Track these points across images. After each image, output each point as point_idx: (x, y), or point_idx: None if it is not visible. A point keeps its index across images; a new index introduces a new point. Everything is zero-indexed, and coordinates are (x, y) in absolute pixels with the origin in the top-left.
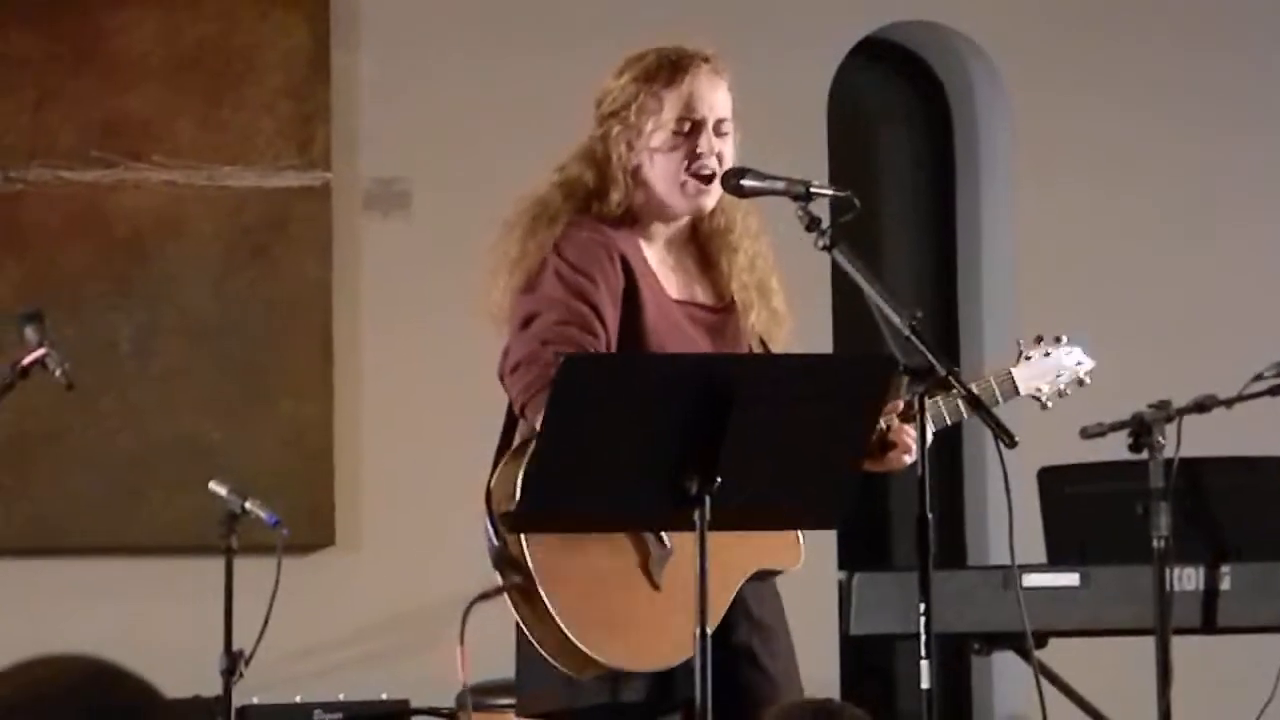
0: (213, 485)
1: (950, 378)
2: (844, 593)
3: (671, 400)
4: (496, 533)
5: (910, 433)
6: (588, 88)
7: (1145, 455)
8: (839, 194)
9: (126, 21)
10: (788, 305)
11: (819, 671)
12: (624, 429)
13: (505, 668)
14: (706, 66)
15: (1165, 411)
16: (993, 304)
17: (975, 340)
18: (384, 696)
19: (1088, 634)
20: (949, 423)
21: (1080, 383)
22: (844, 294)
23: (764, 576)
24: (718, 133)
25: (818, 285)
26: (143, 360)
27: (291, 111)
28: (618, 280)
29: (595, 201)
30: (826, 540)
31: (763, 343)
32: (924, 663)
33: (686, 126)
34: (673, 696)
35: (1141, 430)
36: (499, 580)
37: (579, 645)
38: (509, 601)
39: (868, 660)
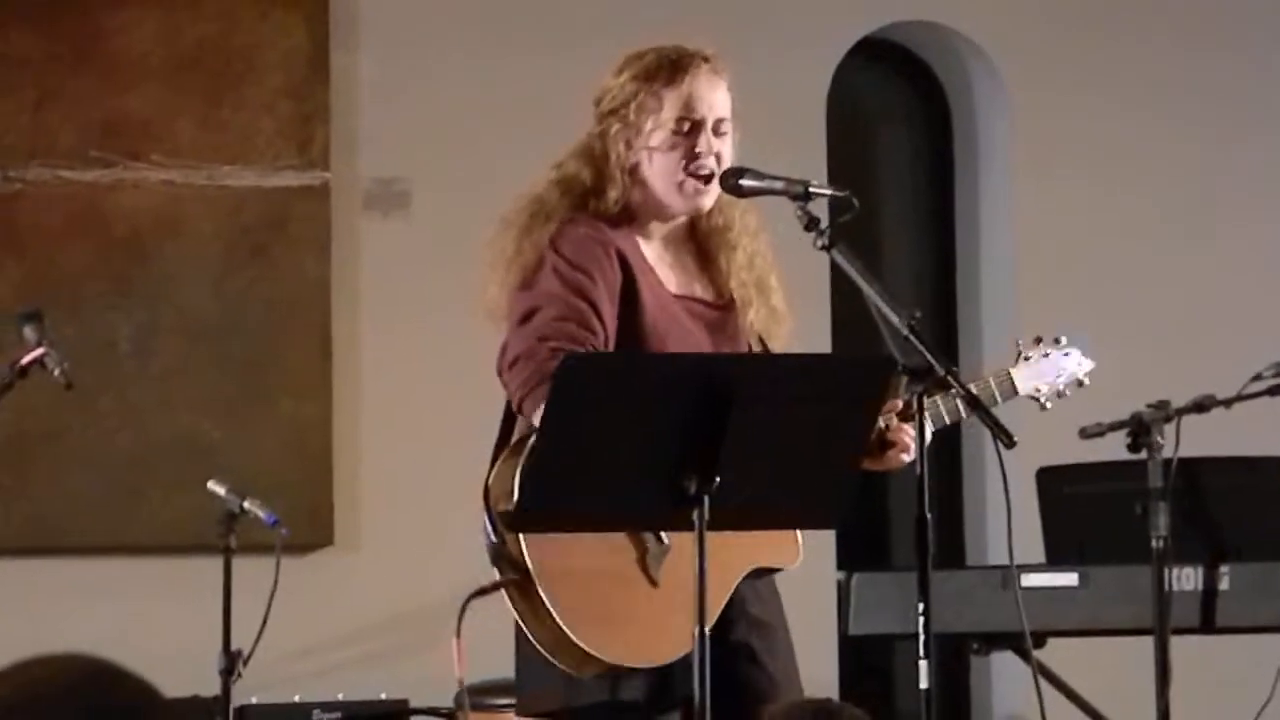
0: (211, 485)
1: (949, 378)
2: (843, 593)
3: (671, 400)
4: (494, 529)
5: (909, 431)
6: (587, 88)
7: (1144, 455)
8: (838, 194)
9: (126, 21)
10: (787, 303)
11: (818, 671)
12: (623, 429)
13: (504, 667)
14: (706, 66)
15: (1164, 411)
16: (992, 304)
17: (974, 340)
18: (383, 696)
19: (1086, 634)
20: (947, 422)
21: (1079, 383)
22: (843, 294)
23: (762, 574)
24: (716, 133)
25: (817, 285)
26: (142, 360)
27: (291, 111)
28: (615, 276)
29: (592, 199)
30: (825, 540)
31: (761, 341)
32: (923, 663)
33: (686, 126)
34: (672, 695)
35: (1140, 430)
36: (497, 577)
37: (576, 641)
38: (507, 598)
39: (867, 660)
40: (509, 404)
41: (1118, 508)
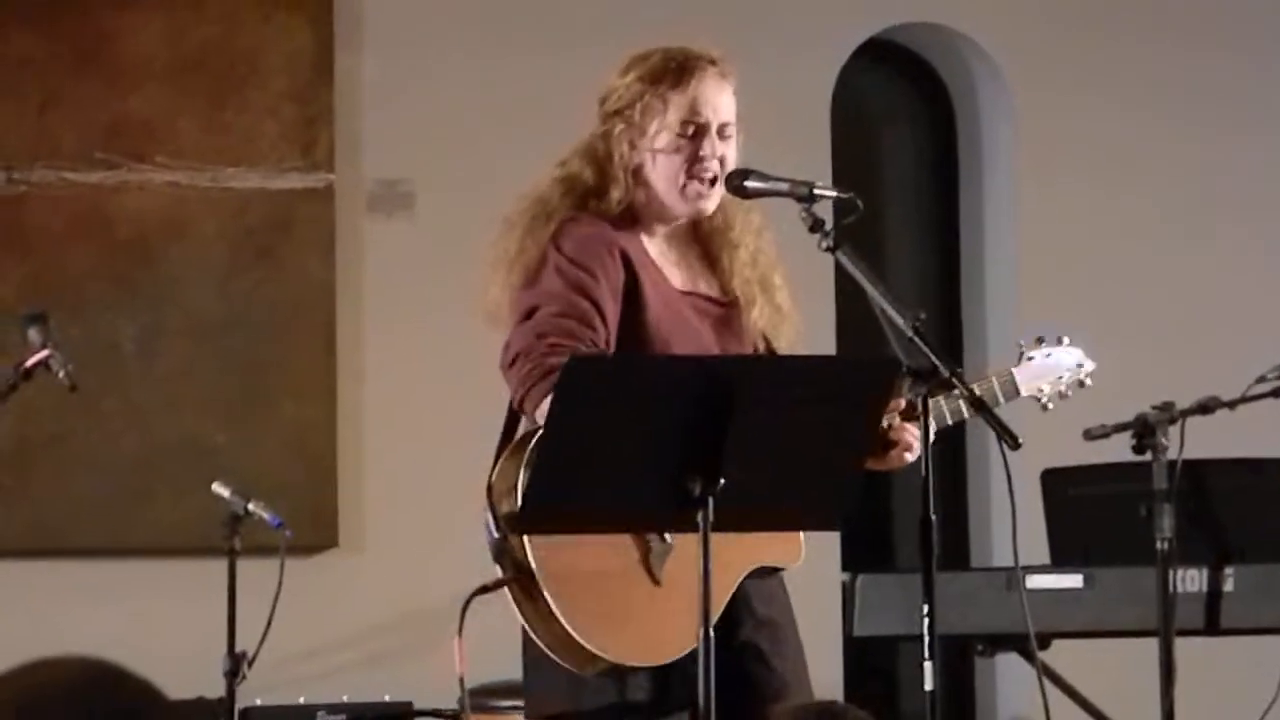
0: (216, 487)
1: (954, 379)
2: (847, 594)
3: (674, 401)
4: (497, 526)
5: (912, 431)
6: (591, 89)
7: (1149, 457)
8: (842, 195)
9: (130, 24)
10: (792, 301)
11: (822, 673)
12: (627, 430)
13: (509, 669)
14: (713, 69)
15: (1168, 413)
16: (996, 304)
17: (978, 341)
18: (387, 698)
19: (1091, 635)
20: (950, 423)
21: (1081, 384)
22: (848, 293)
23: (765, 574)
24: (721, 136)
25: (821, 286)
26: (146, 362)
27: (295, 113)
28: (618, 274)
29: (594, 199)
30: (830, 542)
31: (766, 339)
32: (927, 664)
33: (691, 130)
34: (680, 695)
35: (1145, 432)
36: (499, 574)
37: (579, 640)
38: (509, 596)
39: (871, 662)
40: (512, 401)
41: (1122, 509)
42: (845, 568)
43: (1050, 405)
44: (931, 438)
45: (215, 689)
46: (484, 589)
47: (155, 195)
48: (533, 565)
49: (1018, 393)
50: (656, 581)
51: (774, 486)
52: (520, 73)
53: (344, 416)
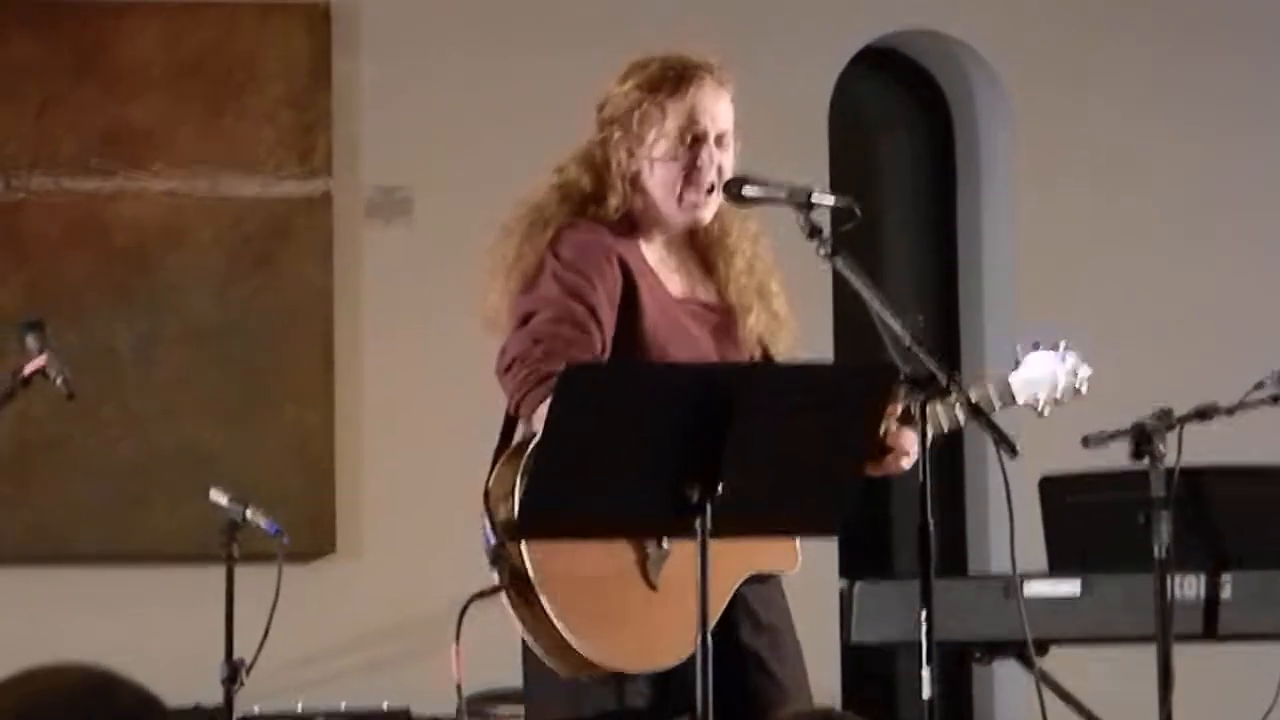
0: (213, 494)
1: (952, 387)
2: (845, 601)
3: (672, 408)
4: (494, 531)
5: (908, 436)
6: (589, 94)
7: (1146, 464)
8: (840, 202)
9: (127, 30)
10: (789, 307)
11: (820, 680)
12: (625, 437)
13: (506, 676)
14: (711, 78)
15: (1166, 420)
16: (994, 310)
17: (976, 346)
18: (385, 704)
19: (1089, 642)
20: (946, 429)
21: (1077, 391)
22: (846, 299)
23: (762, 579)
24: (719, 145)
25: (819, 292)
26: (144, 369)
27: (292, 120)
28: (615, 281)
29: (592, 205)
30: (828, 549)
31: (763, 345)
32: (925, 671)
33: (688, 138)
34: (679, 702)
35: (1142, 439)
36: (496, 580)
37: (574, 645)
38: (505, 601)
39: (869, 669)
40: (508, 407)
41: (1120, 516)
42: (843, 574)
43: (1046, 412)
44: (928, 444)
45: (213, 696)
46: (481, 594)
47: (153, 202)
48: (529, 570)
49: (1014, 399)
50: (653, 587)
51: (772, 493)
52: (518, 78)
53: (342, 423)
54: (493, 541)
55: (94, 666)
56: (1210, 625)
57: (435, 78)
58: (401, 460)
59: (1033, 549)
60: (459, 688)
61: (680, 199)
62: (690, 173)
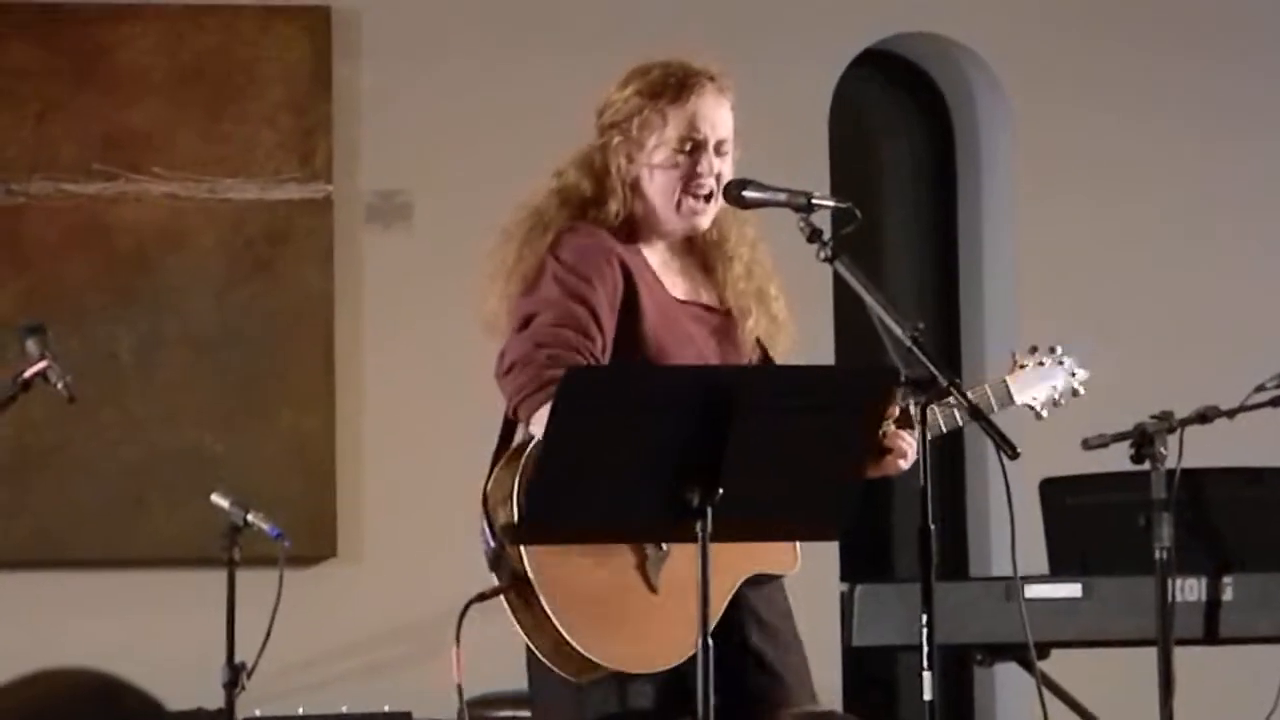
0: (215, 498)
1: (952, 390)
2: (846, 604)
3: (673, 411)
4: (492, 534)
5: (906, 438)
6: (589, 99)
7: (1147, 466)
8: (840, 205)
9: (128, 35)
10: (789, 311)
11: (821, 682)
12: (625, 440)
13: (507, 679)
14: (712, 85)
15: (1167, 422)
16: (994, 314)
17: (977, 350)
18: (386, 708)
19: (1090, 645)
20: (944, 430)
21: (1075, 393)
22: (846, 302)
23: (763, 580)
24: (718, 153)
25: (819, 295)
26: (144, 372)
27: (293, 124)
28: (616, 283)
29: (592, 209)
30: (829, 552)
31: (763, 349)
32: (926, 674)
33: (688, 145)
34: (684, 704)
35: (1143, 441)
36: (497, 583)
37: (575, 646)
38: (505, 605)
39: (870, 672)
40: (507, 410)
41: (1121, 519)
42: (844, 578)
43: (1045, 414)
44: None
45: (214, 700)
46: (481, 597)
47: (153, 206)
48: (529, 573)
49: (1012, 400)
50: (653, 588)
51: (773, 496)
52: (518, 82)
53: (342, 427)
54: (492, 546)
55: (96, 671)
56: (1211, 628)
57: (435, 82)
58: (402, 464)
59: (1034, 551)
60: (460, 690)
61: (679, 206)
62: (689, 180)
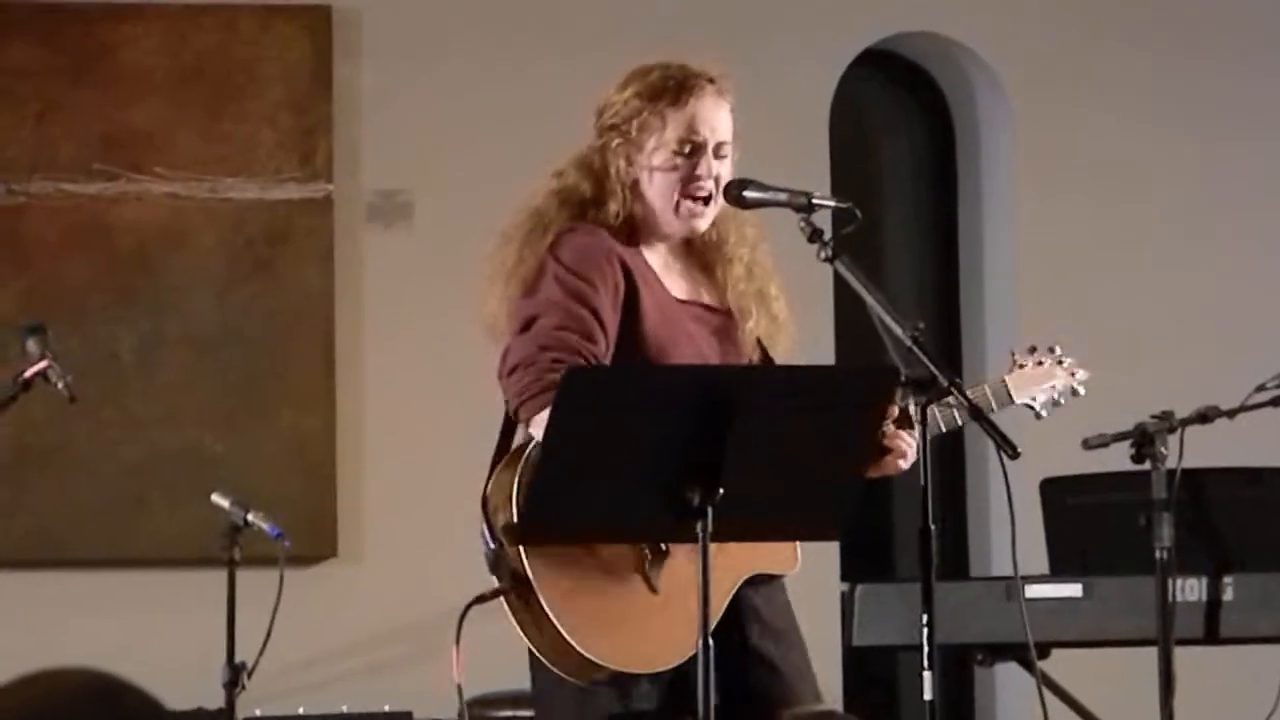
0: (215, 497)
1: (953, 390)
2: (847, 604)
3: (673, 412)
4: (492, 536)
5: (905, 438)
6: (590, 99)
7: (1148, 466)
8: (841, 205)
9: (128, 34)
10: (789, 311)
11: (822, 682)
12: (626, 440)
13: (507, 679)
14: (711, 88)
15: (1168, 422)
16: (995, 314)
17: (978, 350)
18: (387, 708)
19: (1090, 645)
20: (943, 430)
21: (1074, 393)
22: (846, 304)
23: (763, 580)
24: (717, 155)
25: (820, 295)
26: (145, 372)
27: (293, 124)
28: (616, 283)
29: (592, 210)
30: (829, 551)
31: (763, 349)
32: (927, 674)
33: (687, 148)
34: (686, 704)
35: (1144, 441)
36: (497, 583)
37: (576, 647)
38: (506, 606)
39: (871, 672)
40: (508, 412)
41: (1121, 518)
42: (845, 577)
43: (1044, 413)
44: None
45: (215, 699)
46: (481, 599)
47: (153, 206)
48: (529, 574)
49: (1011, 400)
50: (653, 588)
51: (773, 496)
52: (519, 82)
53: (343, 427)
54: (492, 547)
55: (96, 671)
56: (1211, 628)
57: (436, 82)
58: (402, 464)
59: (1034, 551)
60: (460, 691)
61: (677, 208)
62: (688, 183)
